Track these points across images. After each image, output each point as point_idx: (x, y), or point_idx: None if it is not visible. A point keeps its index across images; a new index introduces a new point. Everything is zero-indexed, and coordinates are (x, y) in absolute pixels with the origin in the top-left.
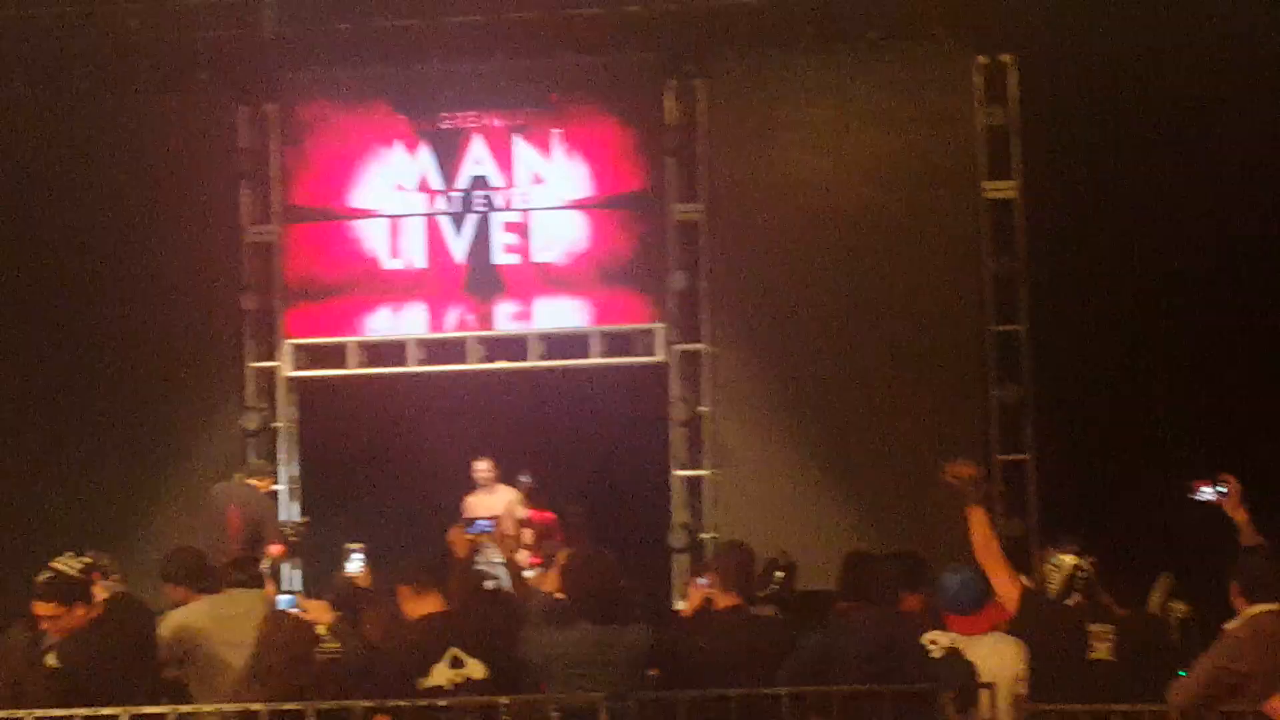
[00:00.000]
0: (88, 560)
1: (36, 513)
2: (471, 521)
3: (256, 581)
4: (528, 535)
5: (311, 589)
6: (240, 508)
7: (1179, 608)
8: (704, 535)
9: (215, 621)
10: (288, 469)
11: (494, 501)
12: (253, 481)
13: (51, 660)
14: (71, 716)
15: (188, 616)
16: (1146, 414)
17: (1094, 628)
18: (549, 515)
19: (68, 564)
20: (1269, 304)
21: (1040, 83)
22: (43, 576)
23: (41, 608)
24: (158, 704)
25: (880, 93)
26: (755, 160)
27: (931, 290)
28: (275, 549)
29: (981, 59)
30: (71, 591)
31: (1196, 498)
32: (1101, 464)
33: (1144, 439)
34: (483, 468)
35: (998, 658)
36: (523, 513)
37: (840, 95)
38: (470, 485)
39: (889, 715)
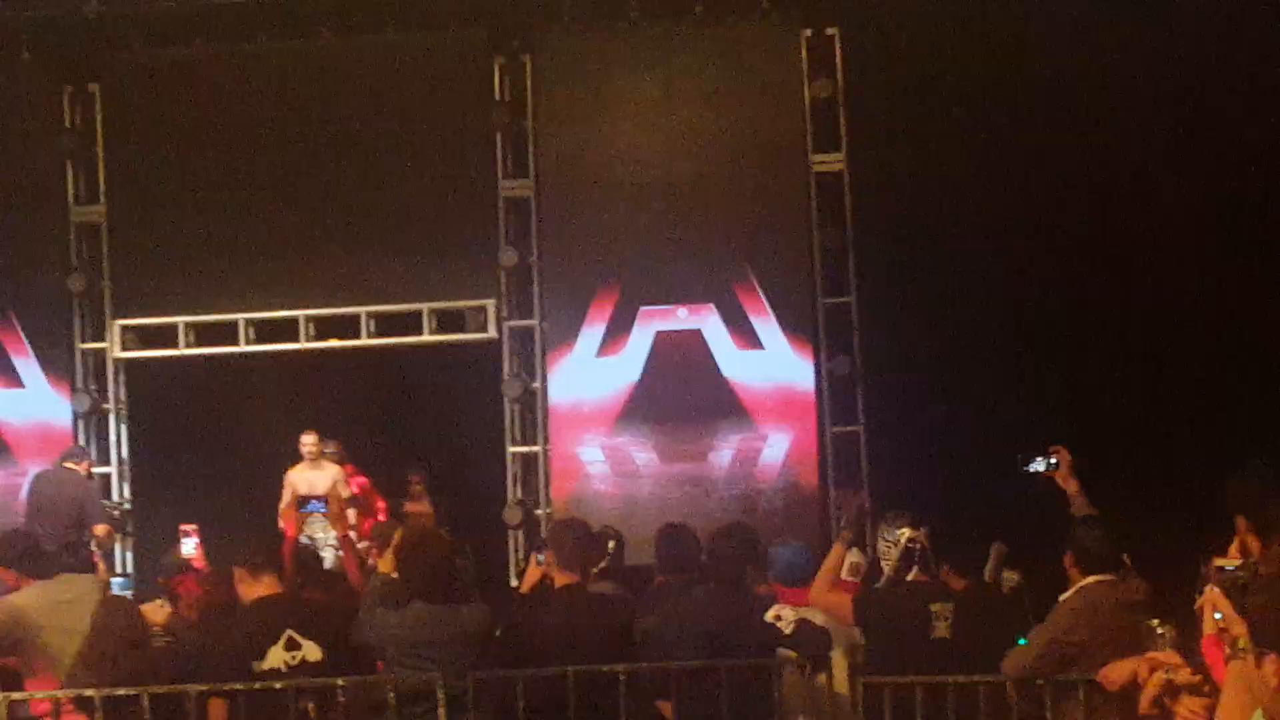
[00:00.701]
0: None
1: None
2: (305, 501)
3: (88, 566)
4: (351, 514)
5: (144, 571)
6: (61, 491)
7: (1011, 577)
8: (539, 511)
9: (48, 607)
10: (118, 452)
11: (319, 476)
12: (70, 465)
13: None
14: None
15: (19, 601)
16: (974, 385)
17: (935, 606)
18: (364, 481)
19: None
20: (1094, 275)
21: (865, 56)
22: None
23: None
24: None
25: (707, 67)
26: (584, 135)
27: (761, 263)
28: (100, 529)
29: (807, 32)
30: None
31: (1027, 469)
32: (931, 435)
33: (972, 410)
34: (309, 441)
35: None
36: (346, 491)
37: (667, 70)
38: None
39: (727, 691)
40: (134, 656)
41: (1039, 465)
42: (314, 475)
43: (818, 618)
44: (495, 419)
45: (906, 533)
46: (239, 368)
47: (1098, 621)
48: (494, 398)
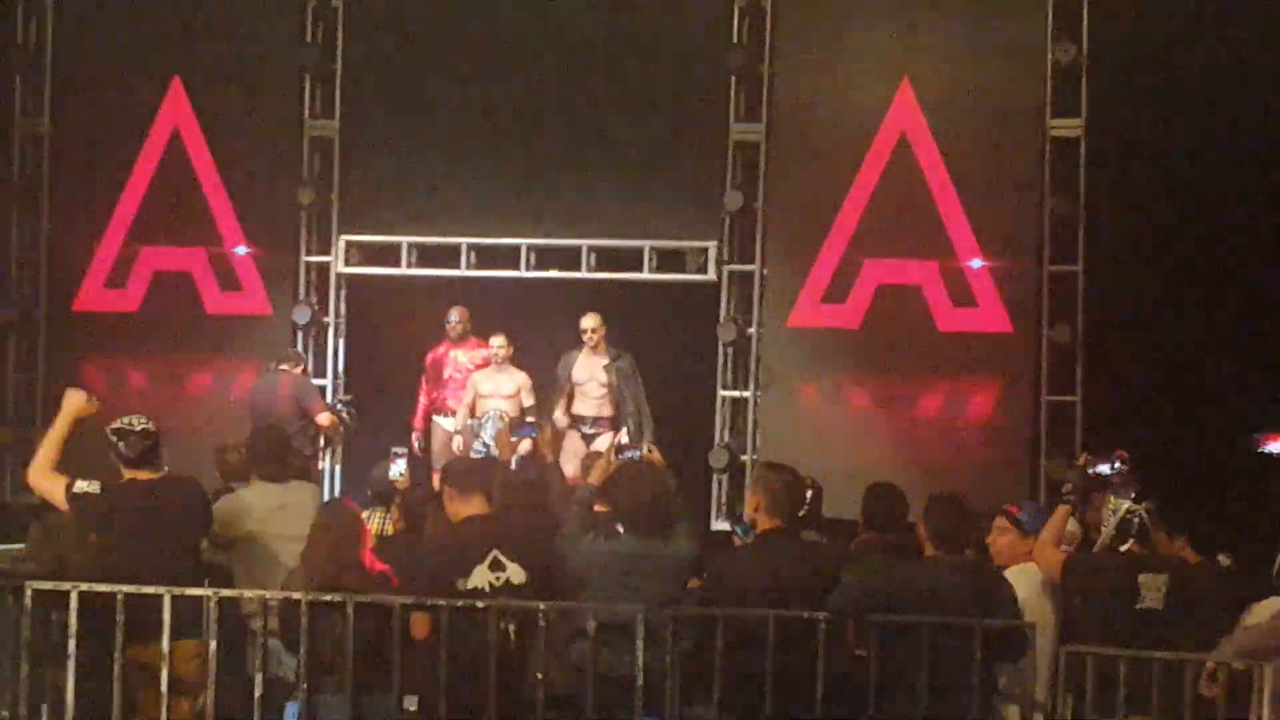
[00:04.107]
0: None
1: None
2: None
3: (311, 475)
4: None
5: (350, 484)
6: (279, 392)
7: (1223, 559)
8: (745, 457)
9: (266, 510)
10: (334, 365)
11: (504, 379)
12: (285, 368)
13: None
14: (116, 591)
15: (240, 502)
16: (1199, 363)
17: (1144, 578)
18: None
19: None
20: None
21: (1111, 22)
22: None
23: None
24: (199, 584)
25: (949, 23)
26: (819, 84)
27: (986, 223)
28: (324, 418)
29: None
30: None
31: (1263, 450)
32: (1150, 408)
33: (1194, 385)
34: (498, 344)
35: (1029, 588)
36: (531, 399)
37: (909, 22)
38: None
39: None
40: (352, 567)
41: (1275, 447)
42: (499, 378)
43: (1030, 576)
44: (708, 361)
45: (1126, 504)
46: (457, 290)
47: None
48: (708, 340)
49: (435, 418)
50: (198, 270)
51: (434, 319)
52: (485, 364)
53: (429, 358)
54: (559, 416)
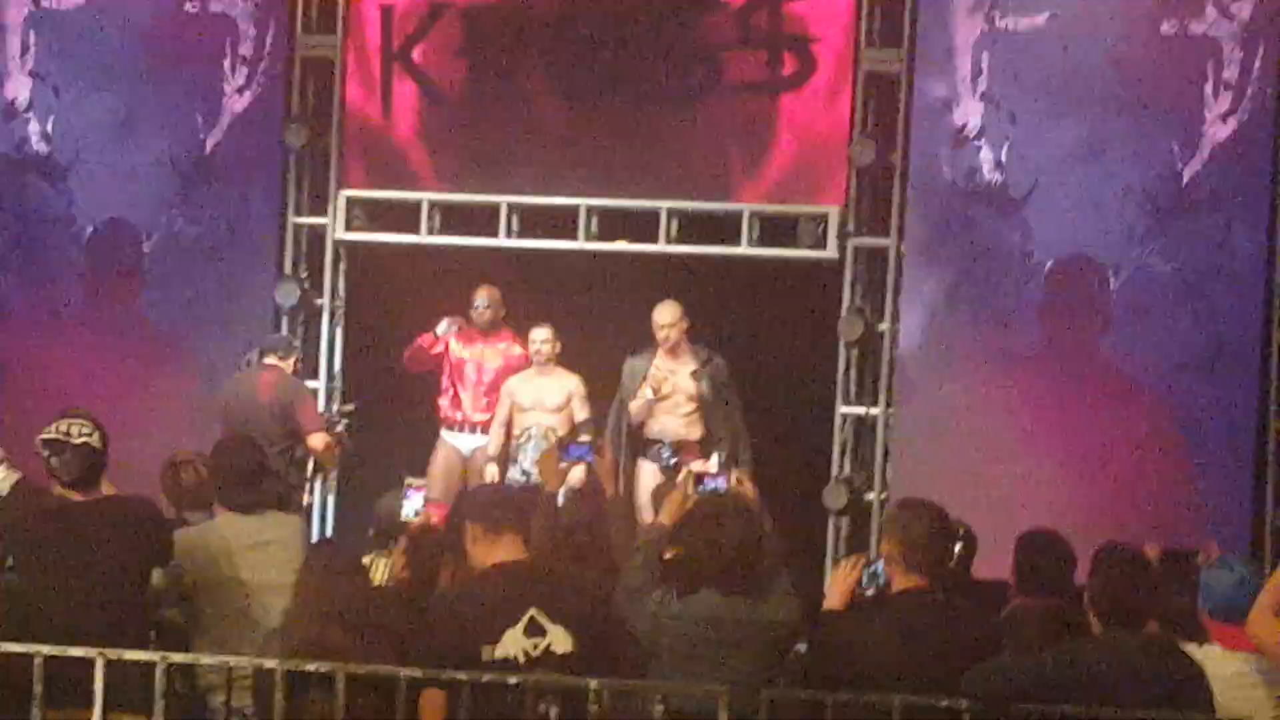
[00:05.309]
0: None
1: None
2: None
3: (291, 506)
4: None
5: (349, 517)
6: (263, 395)
7: None
8: (870, 495)
9: (240, 547)
10: (329, 363)
11: (549, 385)
12: (273, 360)
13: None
14: (35, 653)
15: (206, 536)
16: None
17: None
18: None
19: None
20: None
21: None
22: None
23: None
24: (144, 646)
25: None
26: None
27: None
28: (317, 439)
29: None
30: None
31: None
32: None
33: None
34: (541, 338)
35: (1243, 681)
36: (585, 412)
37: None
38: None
39: None
40: (335, 623)
41: None
42: (543, 383)
43: (1232, 662)
44: (826, 366)
45: None
46: (495, 266)
47: None
48: (827, 338)
49: (443, 431)
50: None
51: (462, 303)
52: (522, 365)
53: (425, 340)
54: (619, 441)
